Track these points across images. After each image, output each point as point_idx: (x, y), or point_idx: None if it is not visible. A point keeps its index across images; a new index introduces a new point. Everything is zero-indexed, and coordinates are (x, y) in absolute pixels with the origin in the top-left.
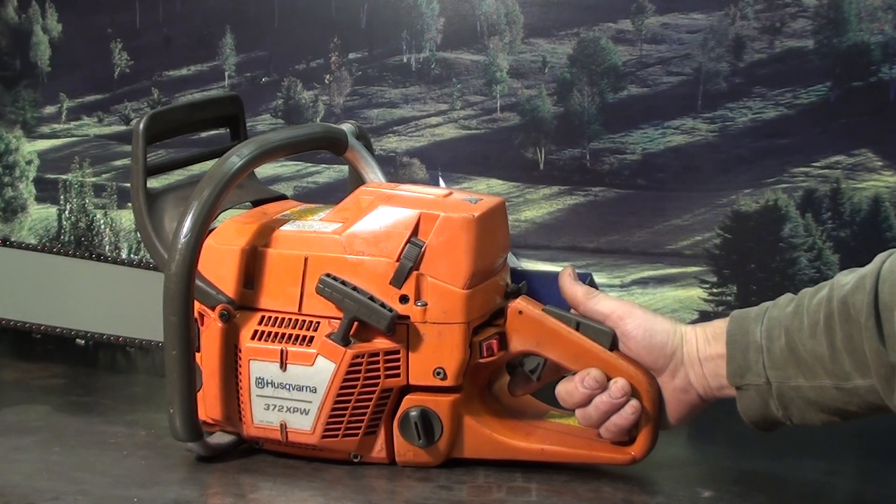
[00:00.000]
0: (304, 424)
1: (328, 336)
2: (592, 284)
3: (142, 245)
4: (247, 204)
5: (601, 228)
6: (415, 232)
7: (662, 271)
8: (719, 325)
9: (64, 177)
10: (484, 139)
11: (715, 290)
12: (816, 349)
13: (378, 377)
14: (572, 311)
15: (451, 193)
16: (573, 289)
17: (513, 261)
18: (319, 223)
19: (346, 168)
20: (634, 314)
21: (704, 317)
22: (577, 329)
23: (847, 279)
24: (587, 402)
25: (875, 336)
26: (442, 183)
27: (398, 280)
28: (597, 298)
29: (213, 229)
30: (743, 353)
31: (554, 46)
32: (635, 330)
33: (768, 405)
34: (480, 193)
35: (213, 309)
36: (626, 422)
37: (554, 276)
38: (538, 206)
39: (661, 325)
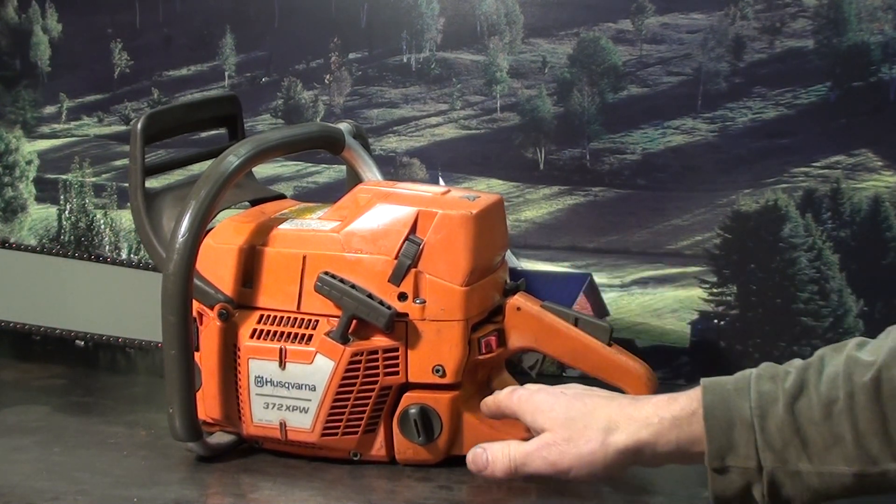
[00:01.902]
0: (304, 423)
1: (327, 334)
2: (592, 284)
3: (142, 245)
4: (245, 203)
5: (601, 228)
6: (413, 229)
7: (662, 271)
8: (686, 422)
9: (64, 177)
10: (484, 139)
11: (715, 290)
12: (834, 431)
13: (377, 375)
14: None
15: (448, 191)
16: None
17: (512, 261)
18: (317, 221)
19: (346, 168)
20: (571, 477)
21: (704, 317)
22: (576, 325)
23: (866, 355)
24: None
25: None
26: (442, 183)
27: (396, 278)
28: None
29: (211, 229)
30: (726, 431)
31: (554, 46)
32: None
33: (750, 490)
34: (478, 191)
35: (211, 308)
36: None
37: (553, 276)
38: (538, 206)
39: (602, 470)
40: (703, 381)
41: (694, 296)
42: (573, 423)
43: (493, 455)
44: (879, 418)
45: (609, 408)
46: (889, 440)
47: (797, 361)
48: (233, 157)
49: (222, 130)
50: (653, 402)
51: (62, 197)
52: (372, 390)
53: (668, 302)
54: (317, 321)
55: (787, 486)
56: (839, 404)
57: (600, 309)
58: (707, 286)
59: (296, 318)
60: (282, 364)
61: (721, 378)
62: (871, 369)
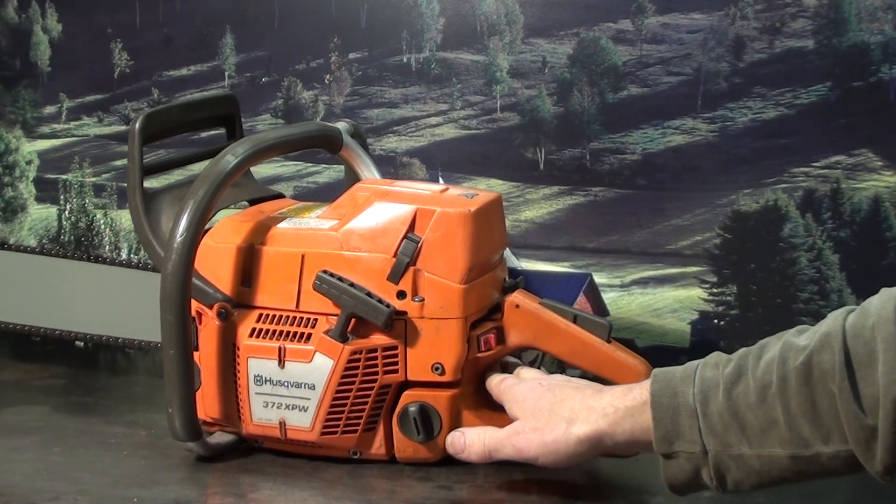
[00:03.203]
0: (303, 421)
1: (326, 333)
2: (592, 284)
3: (140, 245)
4: (243, 203)
5: (601, 228)
6: (411, 227)
7: (662, 271)
8: (638, 411)
9: (64, 177)
10: (484, 139)
11: (715, 290)
12: (769, 414)
13: (376, 373)
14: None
15: (447, 189)
16: None
17: (512, 260)
18: (316, 220)
19: (344, 167)
20: (537, 463)
21: (704, 317)
22: (575, 322)
23: (801, 340)
24: None
25: (850, 399)
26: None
27: (395, 276)
28: None
29: (209, 228)
30: (672, 417)
31: (554, 46)
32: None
33: (699, 474)
34: (477, 189)
35: (210, 307)
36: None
37: (553, 276)
38: (538, 206)
39: (565, 457)
40: (654, 371)
41: (694, 296)
42: (541, 413)
43: (469, 440)
44: (809, 401)
45: (574, 399)
46: (819, 423)
47: (742, 350)
48: (230, 157)
49: (221, 130)
50: (611, 393)
51: (62, 197)
52: (371, 388)
53: (668, 302)
54: (316, 320)
55: (732, 468)
56: (773, 388)
57: (600, 309)
58: (707, 286)
59: (295, 317)
60: (281, 363)
61: (672, 368)
62: (802, 353)
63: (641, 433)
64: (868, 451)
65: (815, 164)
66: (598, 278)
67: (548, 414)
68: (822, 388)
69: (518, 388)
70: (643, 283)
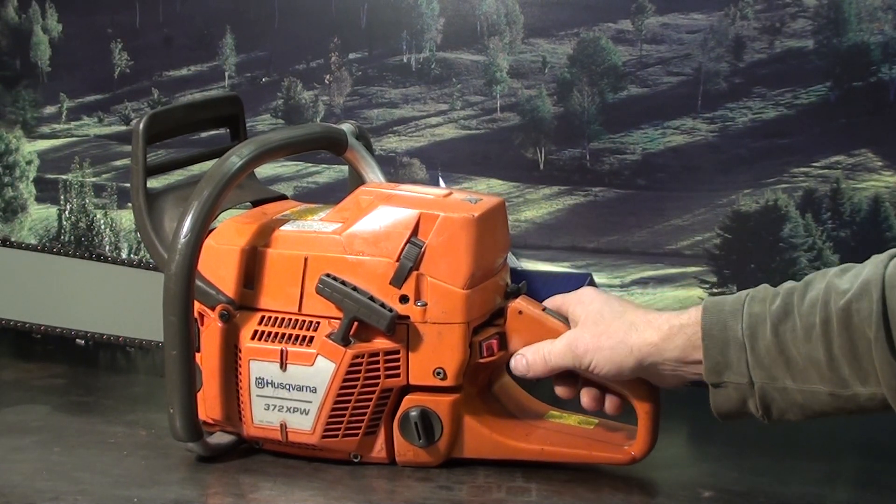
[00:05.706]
0: (304, 424)
1: (328, 336)
2: (592, 284)
3: (142, 245)
4: (247, 204)
5: (601, 228)
6: (415, 232)
7: (662, 271)
8: (691, 329)
9: (64, 177)
10: (484, 139)
11: (715, 291)
12: (812, 354)
13: (378, 377)
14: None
15: (450, 193)
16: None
17: (513, 261)
18: (319, 223)
19: (346, 168)
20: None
21: None
22: None
23: (844, 283)
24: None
25: (885, 347)
26: (442, 183)
27: (398, 280)
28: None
29: (212, 229)
30: (721, 349)
31: (554, 46)
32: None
33: (746, 404)
34: (480, 193)
35: (213, 309)
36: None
37: (554, 277)
38: (538, 206)
39: (616, 364)
40: (704, 301)
41: (694, 296)
42: (603, 319)
43: (530, 359)
44: (849, 345)
45: (636, 313)
46: (858, 366)
47: (787, 284)
48: (236, 158)
49: (222, 130)
50: (667, 313)
51: (62, 197)
52: (373, 392)
53: (668, 302)
54: (318, 323)
55: (777, 400)
56: (816, 329)
57: None
58: (707, 286)
59: (297, 320)
60: (283, 366)
61: (721, 299)
62: (843, 298)
63: (691, 349)
64: None
65: (815, 164)
66: (598, 278)
67: (609, 319)
68: (860, 333)
69: (585, 290)
70: (643, 283)
